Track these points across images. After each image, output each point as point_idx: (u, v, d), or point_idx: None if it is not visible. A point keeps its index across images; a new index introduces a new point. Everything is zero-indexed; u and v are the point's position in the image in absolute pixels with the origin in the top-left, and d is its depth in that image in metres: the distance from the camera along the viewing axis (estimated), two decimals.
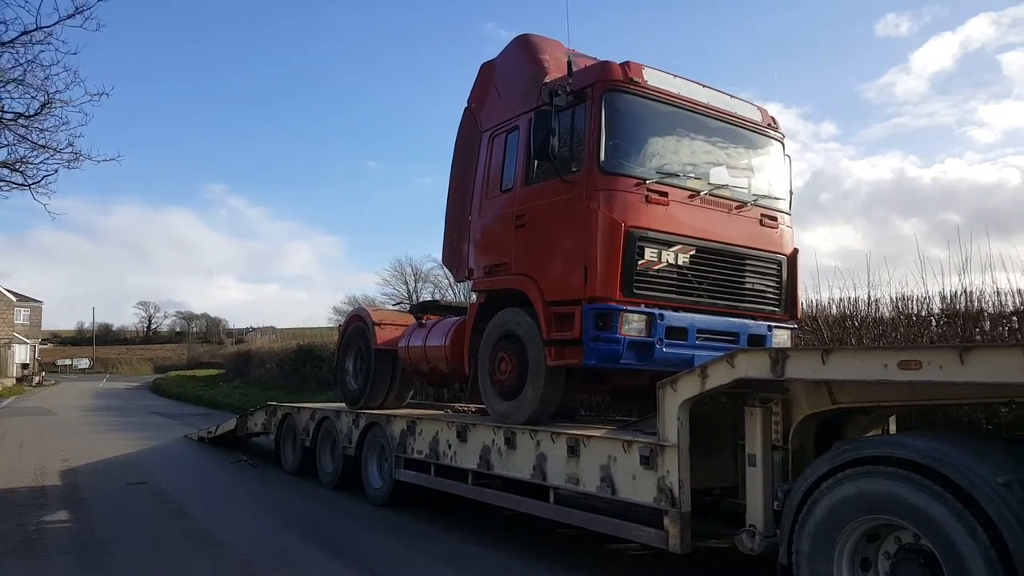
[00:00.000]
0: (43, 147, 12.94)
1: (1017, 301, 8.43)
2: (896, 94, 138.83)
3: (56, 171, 13.17)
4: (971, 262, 8.78)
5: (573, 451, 6.37)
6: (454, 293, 31.11)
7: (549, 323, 6.92)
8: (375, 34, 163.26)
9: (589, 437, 6.28)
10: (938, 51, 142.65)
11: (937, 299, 9.22)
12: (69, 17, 11.59)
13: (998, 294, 8.65)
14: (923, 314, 9.48)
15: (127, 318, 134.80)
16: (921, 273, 9.40)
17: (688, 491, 5.42)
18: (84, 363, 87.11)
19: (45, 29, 11.79)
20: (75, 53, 13.82)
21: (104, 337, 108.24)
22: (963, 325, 8.72)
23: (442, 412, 9.86)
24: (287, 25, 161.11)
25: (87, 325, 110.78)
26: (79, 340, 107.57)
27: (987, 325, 8.74)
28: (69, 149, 12.95)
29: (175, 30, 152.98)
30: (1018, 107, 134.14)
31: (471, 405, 9.52)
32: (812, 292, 10.63)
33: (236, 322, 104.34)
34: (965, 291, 8.85)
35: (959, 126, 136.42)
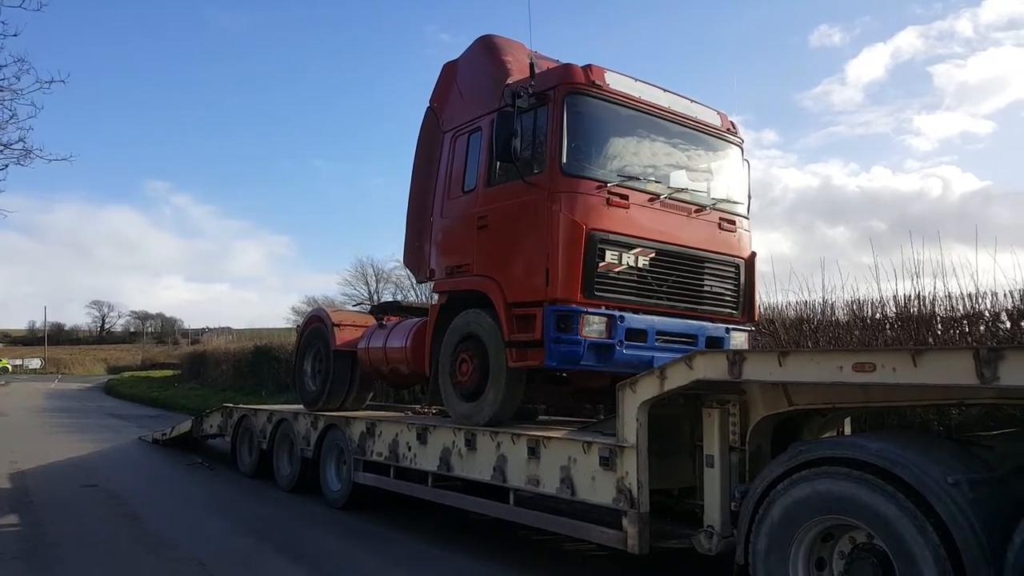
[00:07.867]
0: None
1: (967, 305, 8.62)
2: (833, 103, 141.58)
3: (6, 167, 12.80)
4: (923, 267, 8.98)
5: (533, 452, 6.37)
6: (416, 294, 30.98)
7: (510, 324, 6.92)
8: (317, 34, 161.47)
9: (549, 438, 6.29)
10: (871, 62, 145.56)
11: (892, 303, 9.40)
12: None
13: (949, 298, 8.84)
14: (877, 317, 9.65)
15: (76, 317, 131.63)
16: (875, 278, 9.60)
17: (647, 492, 5.45)
18: (35, 363, 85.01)
19: None
20: (16, 35, 13.35)
21: (56, 337, 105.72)
22: (916, 329, 8.89)
23: (402, 414, 9.82)
24: (229, 25, 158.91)
25: (39, 325, 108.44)
26: (30, 340, 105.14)
27: (939, 329, 8.93)
28: (20, 145, 12.58)
29: (118, 28, 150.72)
30: (950, 118, 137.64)
31: (431, 407, 9.47)
32: (769, 295, 10.77)
33: (188, 322, 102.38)
34: (918, 295, 9.04)
35: (897, 135, 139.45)
